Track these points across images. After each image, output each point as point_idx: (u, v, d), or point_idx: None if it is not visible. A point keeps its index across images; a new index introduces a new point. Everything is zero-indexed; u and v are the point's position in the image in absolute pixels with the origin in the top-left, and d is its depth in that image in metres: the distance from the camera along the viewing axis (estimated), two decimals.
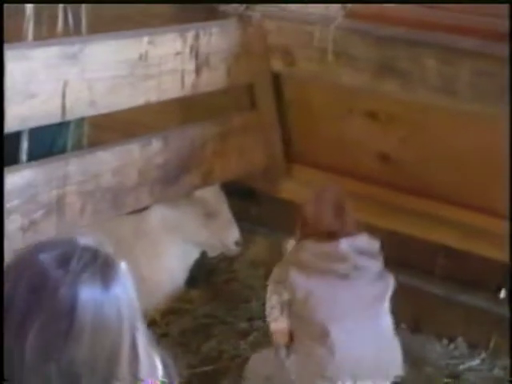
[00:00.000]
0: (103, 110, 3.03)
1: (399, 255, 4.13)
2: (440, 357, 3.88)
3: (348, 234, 3.03)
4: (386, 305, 3.08)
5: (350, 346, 2.93)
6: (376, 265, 3.06)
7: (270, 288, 3.09)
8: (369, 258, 3.03)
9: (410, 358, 3.80)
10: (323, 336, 2.91)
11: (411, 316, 4.09)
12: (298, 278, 2.98)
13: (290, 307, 3.01)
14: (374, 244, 3.09)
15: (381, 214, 3.75)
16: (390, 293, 3.08)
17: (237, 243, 3.99)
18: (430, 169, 3.54)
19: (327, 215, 3.08)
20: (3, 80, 2.58)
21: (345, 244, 2.98)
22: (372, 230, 3.89)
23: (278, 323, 3.05)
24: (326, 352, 2.91)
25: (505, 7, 3.04)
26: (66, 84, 2.84)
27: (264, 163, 3.92)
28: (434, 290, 4.03)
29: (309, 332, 2.98)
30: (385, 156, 3.64)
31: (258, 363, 3.26)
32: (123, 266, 1.59)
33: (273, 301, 3.05)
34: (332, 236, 3.03)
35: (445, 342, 3.97)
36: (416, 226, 3.68)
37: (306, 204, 3.16)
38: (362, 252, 3.01)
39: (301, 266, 3.00)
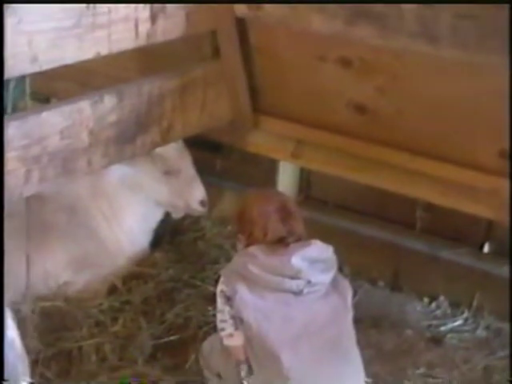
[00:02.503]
0: (46, 66, 2.72)
1: (377, 210, 3.97)
2: (421, 317, 3.76)
3: (298, 240, 2.82)
4: (347, 318, 2.84)
5: (306, 374, 2.69)
6: (330, 276, 2.83)
7: (219, 299, 2.83)
8: (322, 269, 2.80)
9: (389, 319, 3.71)
10: (276, 363, 2.68)
11: (390, 273, 3.96)
12: (246, 296, 2.74)
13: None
14: (327, 251, 2.86)
15: (356, 168, 3.53)
16: (349, 302, 2.86)
17: (202, 203, 3.79)
18: (408, 120, 3.28)
19: (273, 221, 2.84)
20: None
21: (297, 258, 2.74)
22: (348, 184, 3.74)
23: (233, 340, 2.82)
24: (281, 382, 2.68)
25: None
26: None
27: (229, 116, 3.65)
28: (415, 246, 3.90)
29: (261, 356, 2.74)
30: (360, 106, 3.38)
31: (211, 357, 3.06)
32: None
33: (225, 314, 2.81)
34: (280, 242, 2.81)
35: (426, 301, 3.85)
36: (394, 181, 3.46)
37: (248, 208, 2.92)
38: (315, 261, 2.78)
39: (249, 281, 2.76)
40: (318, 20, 3.05)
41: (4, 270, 2.40)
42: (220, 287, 2.82)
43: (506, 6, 2.59)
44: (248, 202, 2.95)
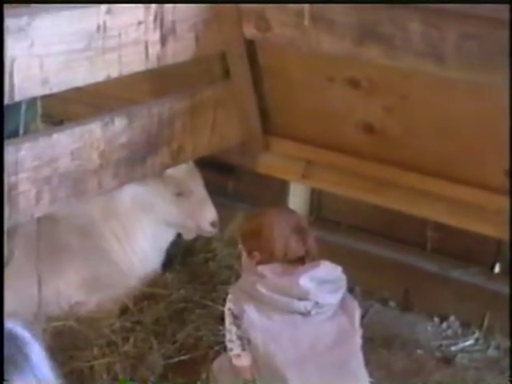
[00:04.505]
0: (57, 89, 2.76)
1: (387, 230, 3.97)
2: (431, 337, 3.74)
3: (313, 260, 2.83)
4: (355, 339, 2.84)
5: None
6: (338, 296, 2.83)
7: (227, 318, 2.84)
8: (331, 290, 2.80)
9: (400, 339, 3.70)
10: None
11: (401, 293, 3.95)
12: (253, 316, 2.74)
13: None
14: (335, 272, 2.86)
15: (366, 189, 3.56)
16: (357, 323, 2.86)
17: (213, 224, 3.80)
18: (416, 140, 3.31)
19: (293, 240, 2.86)
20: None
21: (305, 279, 2.74)
22: (358, 205, 3.76)
23: (241, 360, 2.83)
24: None
25: None
26: (13, 61, 2.57)
27: (240, 137, 3.68)
28: (425, 266, 3.89)
29: (268, 377, 2.75)
30: (368, 126, 3.41)
31: (220, 376, 3.06)
32: None
33: (233, 334, 2.82)
34: (296, 262, 2.82)
35: (436, 320, 3.84)
36: (403, 201, 3.49)
37: (267, 227, 2.92)
38: (323, 282, 2.78)
39: (257, 301, 2.76)
40: (326, 41, 3.08)
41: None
42: (228, 305, 2.83)
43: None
44: (266, 221, 2.94)
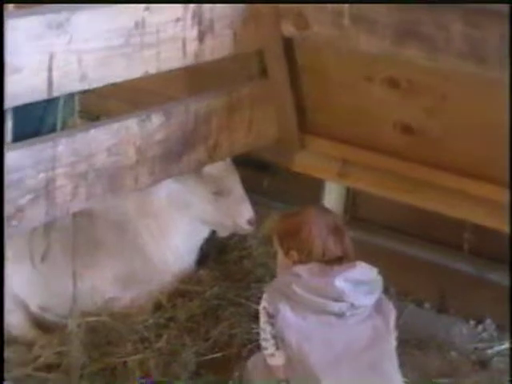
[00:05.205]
0: (95, 85, 2.76)
1: (424, 230, 3.94)
2: (467, 340, 3.71)
3: (349, 260, 2.82)
4: (389, 341, 2.82)
5: None
6: (374, 298, 2.81)
7: (262, 317, 2.83)
8: (366, 292, 2.79)
9: (435, 341, 3.66)
10: None
11: (436, 295, 3.93)
12: (288, 316, 2.74)
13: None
14: (371, 273, 2.85)
15: (403, 189, 3.53)
16: (392, 325, 2.84)
17: (250, 222, 3.80)
18: (455, 141, 3.27)
19: (331, 240, 2.86)
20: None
21: (341, 280, 2.73)
22: (394, 205, 3.73)
23: (275, 360, 2.82)
24: None
25: None
26: (52, 57, 2.58)
27: (276, 136, 3.66)
28: (462, 268, 3.85)
29: (301, 377, 2.73)
30: (407, 127, 3.38)
31: (253, 375, 3.06)
32: None
33: (267, 333, 2.81)
34: (333, 263, 2.80)
35: (472, 323, 3.80)
36: (440, 202, 3.45)
37: (305, 226, 2.91)
38: (359, 284, 2.76)
39: (292, 301, 2.75)
40: (366, 40, 3.05)
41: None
42: (263, 304, 2.83)
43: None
44: (303, 220, 2.94)
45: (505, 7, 2.69)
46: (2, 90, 2.40)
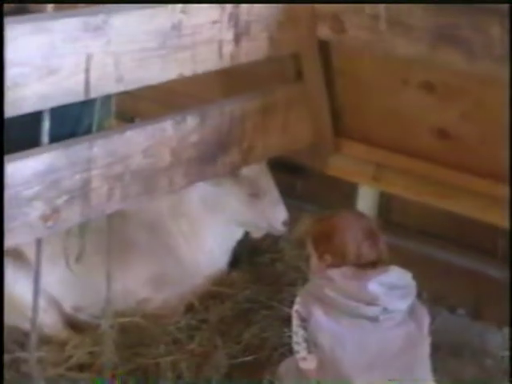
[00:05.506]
0: (131, 86, 2.77)
1: (458, 236, 3.91)
2: (501, 347, 3.65)
3: (383, 264, 2.81)
4: (423, 347, 2.81)
5: None
6: (407, 303, 2.80)
7: (294, 320, 2.83)
8: (400, 296, 2.77)
9: (468, 348, 3.62)
10: None
11: (470, 301, 3.89)
12: (321, 319, 2.73)
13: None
14: (405, 277, 2.83)
15: (437, 194, 3.52)
16: (425, 330, 2.82)
17: (284, 223, 3.81)
18: (491, 146, 3.24)
19: (366, 245, 2.84)
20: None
21: (374, 284, 2.72)
22: (428, 209, 3.70)
23: (307, 363, 2.81)
24: None
25: None
26: (89, 58, 2.59)
27: (310, 139, 3.66)
28: (496, 274, 3.80)
29: (334, 381, 2.73)
30: (443, 132, 3.36)
31: (285, 378, 3.06)
32: None
33: (299, 337, 2.81)
34: (367, 266, 2.79)
35: (506, 330, 3.73)
36: (475, 208, 3.42)
37: (340, 230, 2.90)
38: (393, 288, 2.75)
39: (325, 304, 2.75)
40: (402, 44, 3.04)
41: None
42: (295, 307, 2.82)
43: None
44: (338, 224, 2.93)
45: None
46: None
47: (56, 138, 2.73)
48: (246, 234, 4.03)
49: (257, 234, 4.00)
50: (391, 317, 2.76)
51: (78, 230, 3.16)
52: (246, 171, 3.66)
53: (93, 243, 3.24)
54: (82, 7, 2.63)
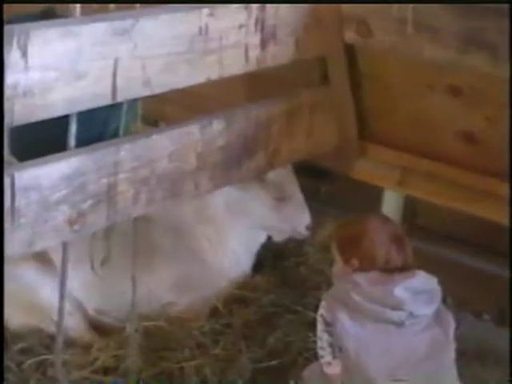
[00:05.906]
0: (158, 90, 2.77)
1: (484, 241, 3.89)
2: None
3: (409, 269, 2.80)
4: (448, 352, 2.79)
5: None
6: (433, 308, 2.79)
7: (319, 324, 2.82)
8: (425, 301, 2.76)
9: (494, 354, 3.59)
10: None
11: (496, 307, 3.86)
12: (347, 324, 2.72)
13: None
14: (431, 282, 2.82)
15: (464, 199, 3.49)
16: (451, 335, 2.81)
17: (308, 227, 3.81)
18: None
19: (394, 250, 2.83)
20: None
21: (400, 289, 2.71)
22: (454, 214, 3.68)
23: (332, 368, 2.81)
24: None
25: None
26: (116, 62, 2.59)
27: (335, 143, 3.65)
28: None
29: None
30: (469, 136, 3.34)
31: (310, 383, 3.06)
32: None
33: (324, 341, 2.80)
34: (393, 271, 2.79)
35: None
36: (500, 212, 3.38)
37: (367, 235, 2.88)
38: (418, 293, 2.74)
39: (351, 309, 2.74)
40: (429, 48, 3.03)
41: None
42: (320, 312, 2.82)
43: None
44: (366, 228, 2.92)
45: None
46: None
47: (83, 141, 2.73)
48: (269, 237, 4.02)
49: (279, 238, 4.00)
50: (417, 322, 2.75)
51: (104, 234, 3.16)
52: (271, 175, 3.67)
53: (118, 247, 3.25)
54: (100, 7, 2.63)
